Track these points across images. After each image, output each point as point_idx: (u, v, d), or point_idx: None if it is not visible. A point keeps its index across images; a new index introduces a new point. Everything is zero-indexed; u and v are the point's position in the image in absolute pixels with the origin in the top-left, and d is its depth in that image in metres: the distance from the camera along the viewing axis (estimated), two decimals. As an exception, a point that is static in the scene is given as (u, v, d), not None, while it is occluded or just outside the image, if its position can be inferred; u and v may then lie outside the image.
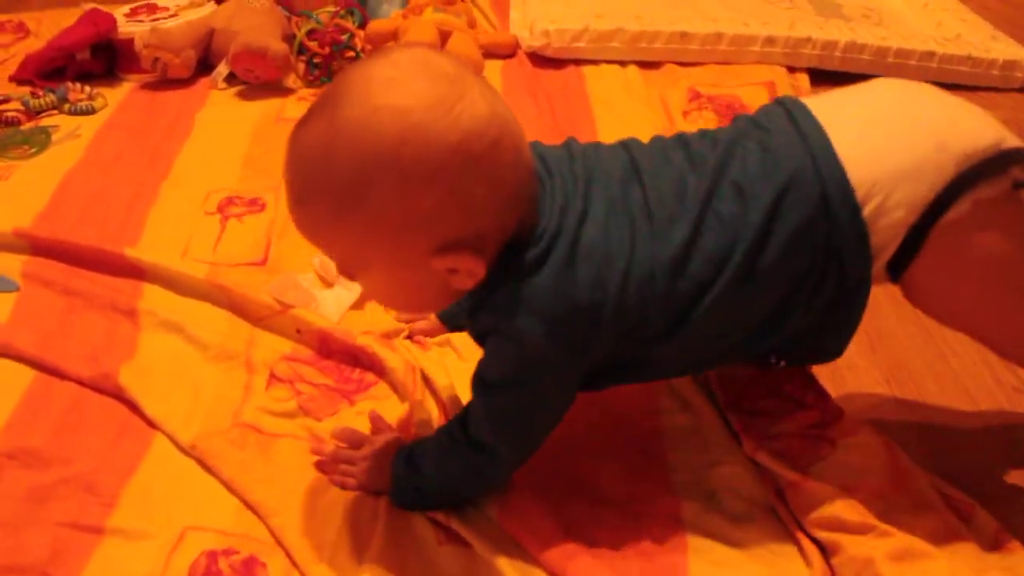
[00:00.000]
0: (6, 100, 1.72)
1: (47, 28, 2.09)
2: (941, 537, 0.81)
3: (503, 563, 0.82)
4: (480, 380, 0.81)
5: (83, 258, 1.25)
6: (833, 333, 0.84)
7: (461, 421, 0.84)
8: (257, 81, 1.75)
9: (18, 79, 1.86)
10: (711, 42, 1.84)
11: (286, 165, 0.74)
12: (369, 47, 1.82)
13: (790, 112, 0.81)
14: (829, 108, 0.80)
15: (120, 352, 1.09)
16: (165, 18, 1.89)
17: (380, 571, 0.81)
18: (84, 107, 1.72)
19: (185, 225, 1.33)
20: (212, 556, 0.84)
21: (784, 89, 1.71)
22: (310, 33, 1.75)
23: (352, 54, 1.79)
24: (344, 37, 1.76)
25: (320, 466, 0.92)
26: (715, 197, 0.77)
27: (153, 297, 1.19)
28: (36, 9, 2.27)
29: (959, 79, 1.82)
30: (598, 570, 0.80)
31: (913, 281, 0.80)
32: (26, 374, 1.07)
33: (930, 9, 2.05)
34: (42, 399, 1.04)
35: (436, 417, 0.98)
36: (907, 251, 0.77)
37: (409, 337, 1.09)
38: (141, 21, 1.88)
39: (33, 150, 1.59)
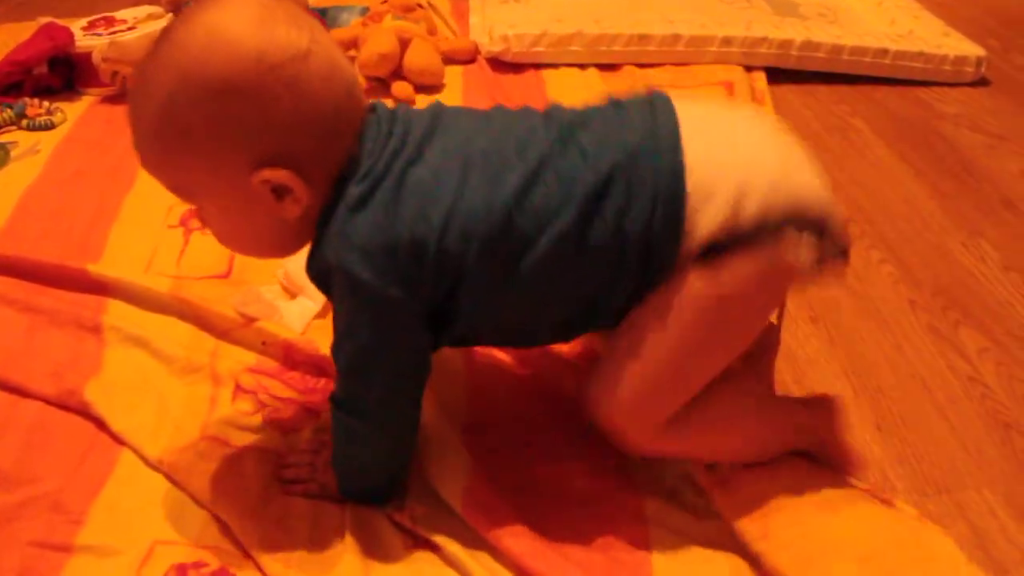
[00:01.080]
0: (-37, 117, 1.70)
1: (2, 43, 2.06)
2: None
3: (472, 565, 0.83)
4: (335, 339, 0.82)
5: (45, 275, 1.24)
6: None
7: (334, 400, 0.85)
8: (217, 92, 1.74)
9: (-26, 95, 1.84)
10: (669, 43, 1.86)
11: (127, 102, 0.78)
12: (329, 56, 1.82)
13: (652, 103, 0.82)
14: (693, 111, 0.81)
15: (85, 368, 1.09)
16: (123, 31, 1.88)
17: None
18: (43, 122, 1.71)
19: (148, 239, 1.33)
20: (182, 570, 0.84)
21: (743, 88, 1.74)
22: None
23: (313, 63, 1.79)
24: (304, 46, 1.76)
25: (282, 478, 0.93)
26: (556, 155, 0.78)
27: (117, 312, 1.18)
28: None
29: (912, 75, 1.86)
30: (564, 567, 0.81)
31: (669, 284, 0.80)
32: (-13, 396, 1.07)
33: (884, 7, 2.09)
34: (6, 418, 1.03)
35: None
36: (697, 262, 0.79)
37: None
38: (99, 35, 1.87)
39: (-8, 167, 1.58)
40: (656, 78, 1.80)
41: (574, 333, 0.91)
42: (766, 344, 0.96)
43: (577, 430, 0.97)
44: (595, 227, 0.77)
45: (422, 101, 1.73)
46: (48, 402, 1.05)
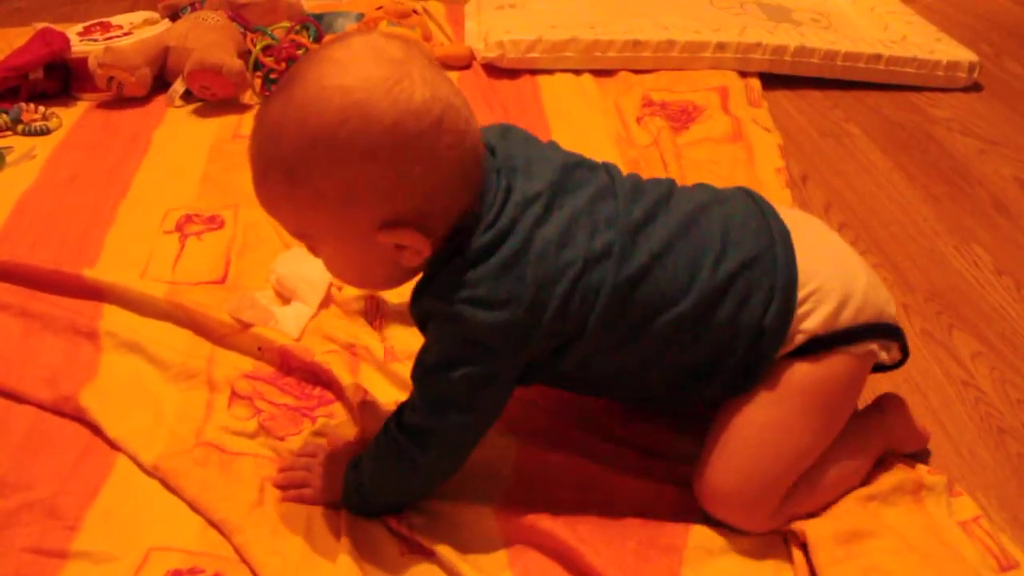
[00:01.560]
0: (-42, 122, 1.70)
1: (-1, 48, 2.07)
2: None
3: (466, 569, 0.83)
4: (420, 365, 0.83)
5: (41, 280, 1.25)
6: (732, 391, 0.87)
7: (398, 413, 0.86)
8: (213, 98, 1.75)
9: (-29, 101, 1.84)
10: (663, 49, 1.87)
11: (249, 143, 0.78)
12: (325, 61, 1.82)
13: (758, 204, 0.89)
14: (790, 217, 0.89)
15: (81, 374, 1.09)
16: (119, 36, 1.89)
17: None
18: (39, 127, 1.71)
19: (144, 244, 1.33)
20: (176, 574, 0.84)
21: (737, 94, 1.75)
22: (266, 49, 1.76)
23: (308, 69, 1.79)
24: (300, 52, 1.77)
25: (277, 482, 0.93)
26: (680, 239, 0.82)
27: (113, 318, 1.18)
28: (-8, 29, 2.26)
29: (905, 80, 1.87)
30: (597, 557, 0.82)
31: (773, 379, 0.85)
32: (-19, 401, 1.07)
33: (877, 13, 2.10)
34: (1, 424, 1.03)
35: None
36: (793, 353, 0.84)
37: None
38: (95, 40, 1.88)
39: (-13, 172, 1.58)
40: (651, 84, 1.80)
41: (657, 403, 0.97)
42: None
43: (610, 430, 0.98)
44: (711, 318, 0.82)
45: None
46: (43, 408, 1.05)
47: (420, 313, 0.83)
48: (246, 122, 1.70)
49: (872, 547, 0.83)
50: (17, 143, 1.67)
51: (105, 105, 1.81)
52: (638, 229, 0.81)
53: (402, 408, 0.86)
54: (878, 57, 1.86)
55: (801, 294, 0.83)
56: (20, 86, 1.82)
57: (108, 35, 1.90)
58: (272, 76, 1.76)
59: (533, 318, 0.78)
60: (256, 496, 0.91)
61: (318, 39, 1.84)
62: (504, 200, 0.78)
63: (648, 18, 1.95)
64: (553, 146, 0.88)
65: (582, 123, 1.66)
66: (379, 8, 1.93)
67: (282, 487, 0.93)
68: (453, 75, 1.85)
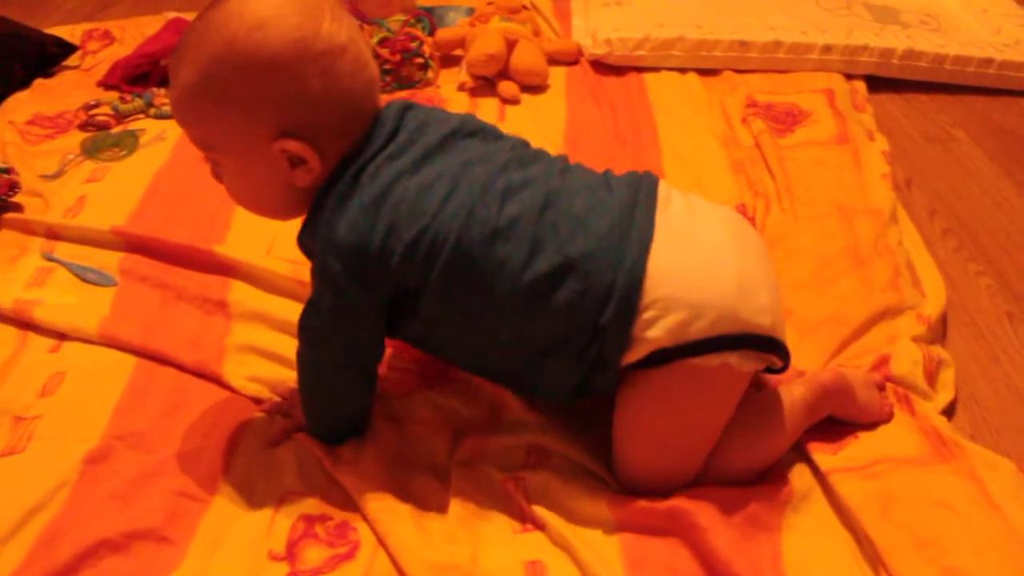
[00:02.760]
0: (97, 105, 1.81)
1: (131, 35, 2.19)
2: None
3: (577, 543, 0.88)
4: (307, 302, 0.92)
5: (175, 254, 1.34)
6: (583, 389, 0.92)
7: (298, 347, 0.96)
8: (332, 87, 1.82)
9: (105, 84, 1.96)
10: (770, 50, 1.88)
11: (171, 56, 0.86)
12: (438, 54, 1.89)
13: (636, 198, 0.88)
14: (672, 214, 0.88)
15: (216, 340, 1.18)
16: (243, 26, 1.98)
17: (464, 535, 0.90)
18: (168, 111, 1.81)
19: (268, 225, 1.38)
20: (309, 520, 0.92)
21: (842, 96, 1.75)
22: (382, 41, 1.83)
23: (421, 61, 1.86)
24: (414, 45, 1.84)
25: (264, 408, 1.06)
26: (533, 219, 0.85)
27: (241, 292, 1.27)
28: (120, 17, 2.38)
29: (1018, 85, 1.85)
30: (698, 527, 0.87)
31: (631, 385, 0.89)
32: (128, 362, 1.16)
33: (990, 15, 2.07)
34: (146, 385, 1.12)
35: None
36: (644, 363, 0.86)
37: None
38: (221, 29, 1.97)
39: (123, 152, 1.68)
40: (755, 84, 1.82)
41: (523, 387, 1.00)
42: None
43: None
44: (546, 300, 0.85)
45: (527, 101, 1.79)
46: (184, 369, 1.14)
47: (302, 246, 0.93)
48: (364, 111, 1.77)
49: (948, 546, 0.85)
50: (149, 125, 1.78)
51: None
52: (498, 198, 0.85)
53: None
54: (989, 61, 1.84)
55: (645, 300, 0.83)
56: (151, 72, 1.93)
57: (233, 24, 2.00)
58: (387, 67, 1.83)
59: (381, 265, 0.85)
60: (378, 458, 0.98)
61: (431, 32, 1.91)
62: (381, 147, 0.87)
63: (755, 18, 1.97)
64: (459, 115, 0.94)
65: (688, 121, 1.69)
66: (490, 3, 1.98)
67: (267, 412, 1.04)
68: (561, 70, 1.91)
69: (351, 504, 0.94)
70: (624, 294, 0.83)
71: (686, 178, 1.49)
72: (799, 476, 0.95)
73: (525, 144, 0.95)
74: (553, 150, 1.55)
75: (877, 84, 1.87)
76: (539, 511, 0.92)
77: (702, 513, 0.87)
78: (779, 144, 1.56)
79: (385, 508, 0.91)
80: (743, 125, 1.66)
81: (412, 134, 0.89)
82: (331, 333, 0.91)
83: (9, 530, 0.93)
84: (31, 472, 1.00)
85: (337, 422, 0.99)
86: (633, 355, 0.85)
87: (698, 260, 0.85)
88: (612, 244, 0.84)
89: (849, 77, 1.86)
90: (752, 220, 1.37)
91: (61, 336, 1.21)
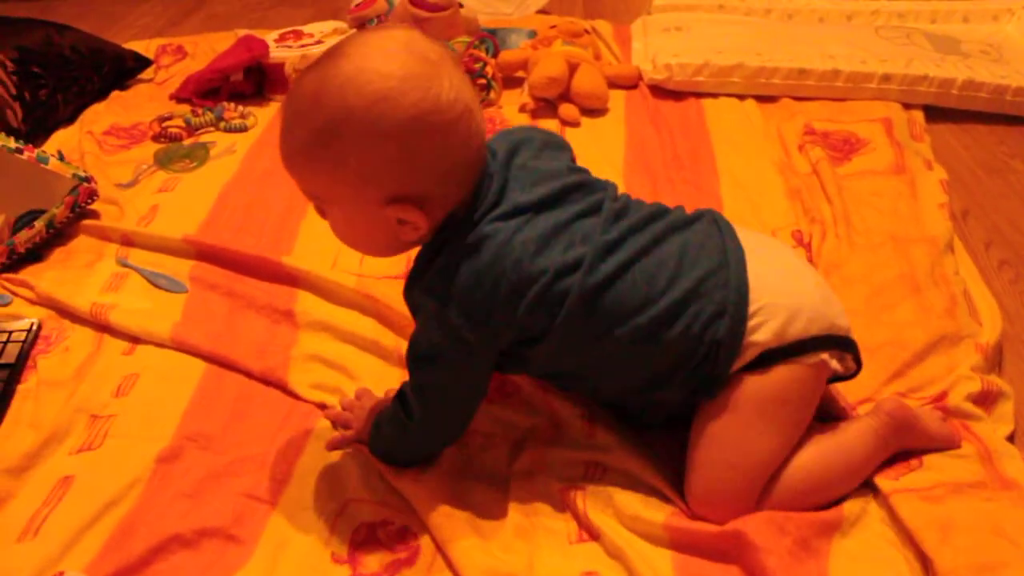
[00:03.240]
0: (170, 117, 1.88)
1: (202, 51, 2.27)
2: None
3: (632, 555, 0.91)
4: (409, 353, 0.95)
5: (243, 264, 1.39)
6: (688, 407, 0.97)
7: (399, 395, 0.98)
8: (397, 106, 1.87)
9: (177, 97, 2.03)
10: (828, 78, 1.89)
11: (285, 100, 0.87)
12: (500, 75, 1.93)
13: (718, 224, 0.97)
14: (747, 238, 0.96)
15: (283, 348, 1.22)
16: (311, 44, 2.04)
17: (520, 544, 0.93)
18: (237, 125, 1.87)
19: (334, 239, 1.43)
20: (371, 526, 0.96)
21: (900, 126, 1.76)
22: (446, 62, 1.87)
23: (483, 82, 1.91)
24: (478, 66, 1.88)
25: (327, 415, 1.09)
26: (644, 256, 0.91)
27: (307, 302, 1.31)
28: (191, 33, 2.47)
29: (1081, 119, 1.84)
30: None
31: (731, 391, 0.93)
32: (199, 366, 1.21)
33: (1052, 47, 2.06)
34: (215, 389, 1.17)
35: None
36: (750, 367, 0.92)
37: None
38: (289, 47, 2.04)
39: (194, 164, 1.74)
40: (813, 112, 1.83)
41: (629, 407, 1.04)
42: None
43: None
44: (666, 331, 0.90)
45: (587, 124, 1.83)
46: (251, 376, 1.18)
47: (411, 303, 0.94)
48: (427, 130, 1.81)
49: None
50: (219, 138, 1.84)
51: None
52: (609, 248, 0.90)
53: (403, 386, 0.97)
54: (1051, 94, 1.84)
55: (751, 309, 0.90)
56: (221, 87, 2.00)
57: (301, 43, 2.06)
58: (450, 87, 1.87)
59: (506, 317, 0.88)
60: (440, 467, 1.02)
61: (495, 54, 1.95)
62: (494, 203, 0.89)
63: (814, 47, 1.98)
64: (564, 163, 0.98)
65: (745, 148, 1.71)
66: (553, 27, 2.02)
67: (331, 420, 1.08)
68: (620, 94, 1.94)
69: (411, 511, 0.97)
70: (735, 309, 0.90)
71: (743, 203, 1.51)
72: (850, 501, 0.97)
73: (617, 192, 0.98)
74: (613, 172, 1.61)
75: (936, 114, 1.87)
76: (596, 522, 0.94)
77: (756, 533, 0.89)
78: (837, 173, 1.57)
79: (444, 515, 0.94)
80: (800, 152, 1.68)
81: (523, 187, 0.91)
82: (444, 386, 0.94)
83: (86, 522, 0.98)
84: (107, 468, 1.05)
85: (417, 460, 1.01)
86: (741, 361, 0.91)
87: (783, 271, 0.95)
88: (715, 268, 0.91)
89: (907, 107, 1.86)
90: (808, 246, 1.39)
91: (135, 339, 1.26)
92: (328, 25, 2.16)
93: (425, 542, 0.94)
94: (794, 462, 0.94)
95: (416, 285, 0.91)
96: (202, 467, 1.04)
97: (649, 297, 0.89)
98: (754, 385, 0.92)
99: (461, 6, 2.10)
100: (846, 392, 1.08)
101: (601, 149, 1.71)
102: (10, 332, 1.26)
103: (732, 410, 0.92)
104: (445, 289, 0.87)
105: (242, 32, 2.16)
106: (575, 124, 1.81)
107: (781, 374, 0.91)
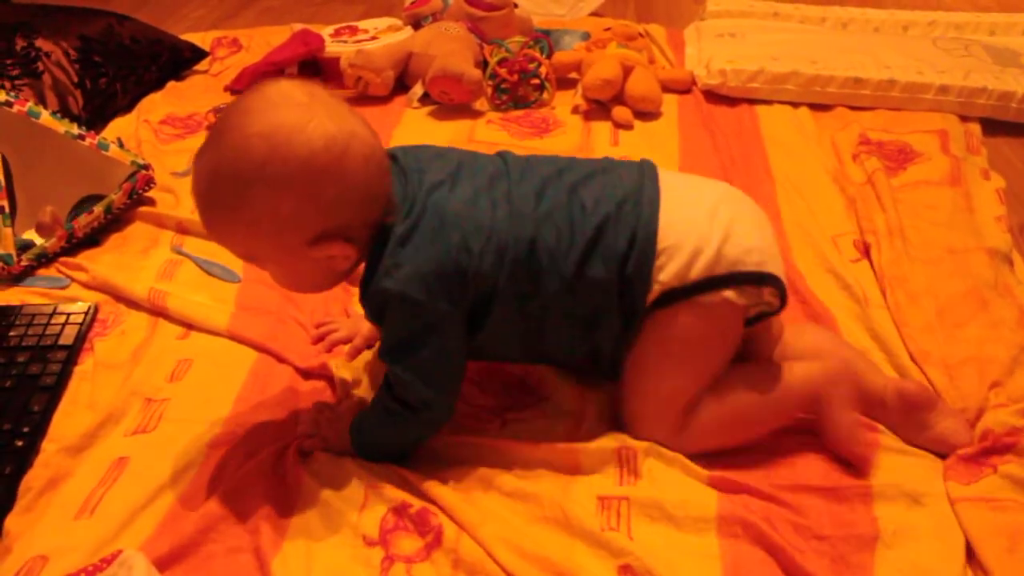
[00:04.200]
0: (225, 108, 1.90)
1: (257, 44, 2.29)
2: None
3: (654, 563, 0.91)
4: (388, 351, 0.97)
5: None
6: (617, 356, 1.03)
7: (390, 394, 0.99)
8: (450, 103, 1.89)
9: (232, 89, 2.06)
10: (884, 88, 1.88)
11: (192, 186, 0.92)
12: (554, 76, 1.94)
13: (642, 167, 1.03)
14: (672, 179, 1.02)
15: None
16: (366, 40, 2.06)
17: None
18: (292, 118, 1.89)
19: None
20: (395, 510, 0.97)
21: (956, 138, 1.74)
22: (501, 61, 1.88)
23: (537, 82, 1.91)
24: (532, 66, 1.89)
25: (300, 435, 1.07)
26: (563, 206, 0.97)
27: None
28: (245, 27, 2.49)
29: None
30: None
31: (645, 331, 1.00)
32: (250, 356, 1.23)
33: (1116, 61, 2.03)
34: (265, 378, 1.18)
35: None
36: (658, 303, 0.98)
37: (328, 349, 1.23)
38: (345, 42, 2.05)
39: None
40: (868, 122, 1.81)
41: (575, 357, 1.07)
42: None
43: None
44: (590, 264, 0.96)
45: (640, 127, 1.82)
46: (298, 369, 1.19)
47: (372, 305, 0.96)
48: (479, 127, 1.83)
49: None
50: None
51: (349, 101, 1.92)
52: (531, 199, 0.96)
53: (391, 387, 0.99)
54: (1113, 108, 1.81)
55: (658, 248, 0.95)
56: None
57: (356, 38, 2.08)
58: (504, 87, 1.89)
59: (460, 278, 0.93)
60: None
61: (550, 54, 1.96)
62: (415, 191, 0.94)
63: (870, 56, 1.96)
64: (450, 149, 1.04)
65: (799, 155, 1.70)
66: (607, 29, 2.02)
67: (300, 434, 1.07)
68: (673, 98, 1.93)
69: (430, 491, 0.98)
70: (642, 247, 0.95)
71: (800, 210, 1.50)
72: (888, 508, 0.97)
73: (508, 152, 1.05)
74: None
75: (993, 126, 1.84)
76: (633, 515, 0.96)
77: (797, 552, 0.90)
78: (891, 184, 1.55)
79: (469, 503, 0.96)
80: (854, 162, 1.66)
81: (431, 171, 0.96)
82: (432, 369, 0.97)
83: (141, 503, 0.99)
84: (161, 451, 1.06)
85: (409, 450, 1.04)
86: (651, 297, 0.97)
87: (693, 215, 0.98)
88: (629, 210, 0.97)
89: (964, 119, 1.84)
90: (867, 256, 1.38)
91: (189, 325, 1.28)
92: (383, 21, 2.17)
93: (447, 522, 0.95)
94: (720, 393, 1.01)
95: (371, 286, 0.94)
96: (250, 453, 1.05)
97: (572, 239, 0.95)
98: (662, 324, 0.98)
99: (516, 6, 2.11)
100: (950, 400, 1.08)
101: (654, 152, 1.70)
102: (68, 314, 1.28)
103: (644, 349, 1.00)
104: (401, 273, 0.91)
105: (298, 26, 2.18)
106: (628, 127, 1.81)
107: (683, 313, 0.97)
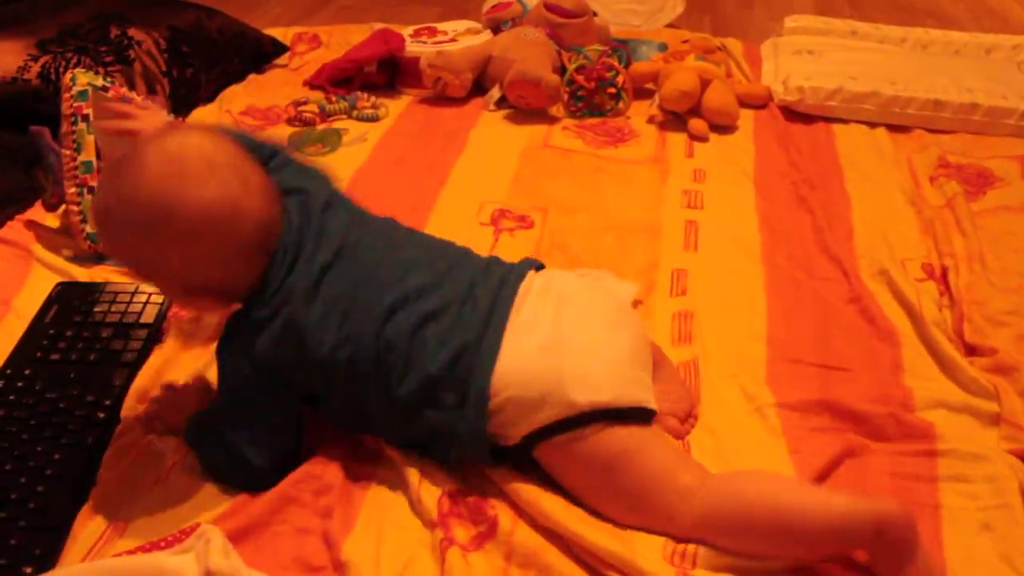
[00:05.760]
0: (305, 102, 1.94)
1: (336, 41, 2.33)
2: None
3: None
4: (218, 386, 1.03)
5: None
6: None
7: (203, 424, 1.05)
8: (527, 107, 1.90)
9: (311, 84, 2.09)
10: (965, 112, 1.86)
11: (91, 212, 1.00)
12: (630, 86, 1.94)
13: (496, 295, 1.00)
14: (524, 320, 0.99)
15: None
16: (445, 41, 2.08)
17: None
18: (369, 115, 1.92)
19: (462, 232, 1.46)
20: (449, 495, 0.98)
21: (1037, 166, 1.71)
22: (579, 68, 1.89)
23: (614, 91, 1.92)
24: (610, 75, 1.90)
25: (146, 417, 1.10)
26: (408, 345, 0.96)
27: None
28: (323, 24, 2.54)
29: None
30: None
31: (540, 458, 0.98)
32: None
33: None
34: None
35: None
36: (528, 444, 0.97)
37: None
38: (423, 43, 2.08)
39: (326, 149, 1.80)
40: (947, 145, 1.79)
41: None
42: None
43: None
44: (419, 410, 0.97)
45: (715, 140, 1.82)
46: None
47: (221, 351, 1.01)
48: (555, 133, 1.84)
49: None
50: (351, 126, 1.89)
51: (427, 101, 2.00)
52: (380, 321, 0.97)
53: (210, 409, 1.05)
54: None
55: (494, 403, 0.95)
56: (355, 77, 2.05)
57: (435, 39, 2.10)
58: (580, 94, 1.90)
59: (290, 376, 0.99)
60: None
61: (627, 64, 1.96)
62: (283, 278, 0.96)
63: (951, 79, 1.94)
64: (350, 214, 1.07)
65: (875, 176, 1.68)
66: (685, 41, 2.02)
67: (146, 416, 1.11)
68: (750, 113, 1.93)
69: (486, 484, 1.00)
70: (475, 403, 0.95)
71: (873, 233, 1.49)
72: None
73: (421, 246, 1.08)
74: (742, 192, 1.60)
75: (1076, 156, 1.81)
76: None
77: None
78: (971, 210, 1.53)
79: (541, 495, 0.97)
80: (931, 185, 1.65)
81: (308, 256, 0.98)
82: (256, 431, 1.00)
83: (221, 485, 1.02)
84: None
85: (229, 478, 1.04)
86: (510, 441, 0.97)
87: (538, 362, 0.96)
88: (466, 362, 0.96)
89: (1048, 146, 1.81)
90: (943, 280, 1.37)
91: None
92: (462, 24, 2.20)
93: (502, 511, 0.96)
94: (738, 486, 0.93)
95: (225, 344, 1.00)
96: (317, 438, 1.07)
97: (405, 376, 0.96)
98: (553, 457, 0.97)
99: (595, 14, 2.12)
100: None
101: (730, 167, 1.71)
102: (149, 294, 1.31)
103: (565, 481, 0.98)
104: (244, 350, 0.98)
105: (378, 26, 2.22)
106: (704, 139, 1.81)
107: (563, 447, 0.96)
